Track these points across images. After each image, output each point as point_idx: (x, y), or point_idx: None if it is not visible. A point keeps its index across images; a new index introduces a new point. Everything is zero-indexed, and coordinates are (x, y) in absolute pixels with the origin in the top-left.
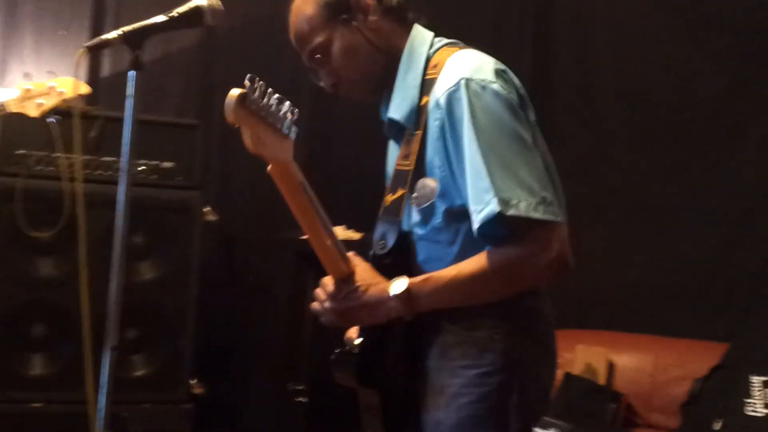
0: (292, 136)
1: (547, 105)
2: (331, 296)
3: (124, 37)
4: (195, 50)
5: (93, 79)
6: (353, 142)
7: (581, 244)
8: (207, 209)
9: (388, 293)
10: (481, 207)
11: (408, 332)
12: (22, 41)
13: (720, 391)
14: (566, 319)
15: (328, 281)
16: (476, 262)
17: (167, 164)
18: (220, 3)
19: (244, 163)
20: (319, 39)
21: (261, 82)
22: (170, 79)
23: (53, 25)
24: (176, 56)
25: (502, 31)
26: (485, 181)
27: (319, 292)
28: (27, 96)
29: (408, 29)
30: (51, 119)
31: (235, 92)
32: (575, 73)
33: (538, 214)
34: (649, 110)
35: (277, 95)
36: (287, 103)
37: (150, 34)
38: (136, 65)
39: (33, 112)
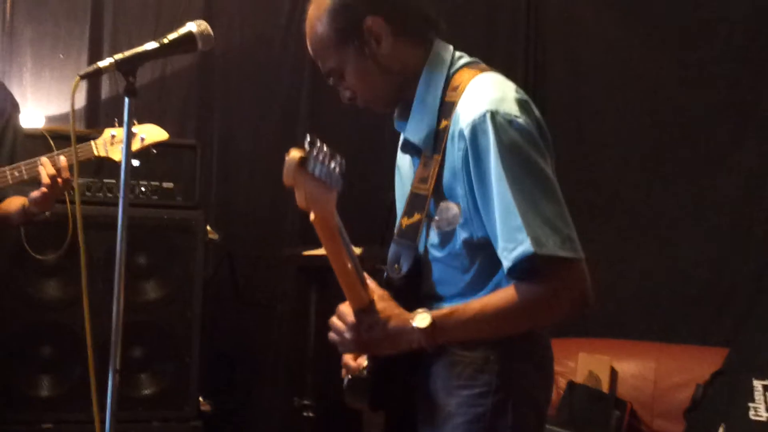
0: (339, 189)
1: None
2: (352, 327)
3: (118, 64)
4: (193, 70)
5: (92, 101)
6: (351, 160)
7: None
8: (208, 228)
9: (411, 325)
10: (513, 245)
11: (413, 354)
12: (22, 65)
13: (722, 396)
14: (568, 328)
15: (346, 311)
16: (502, 297)
17: (168, 184)
18: (210, 29)
19: (244, 181)
20: (331, 63)
21: (318, 140)
22: (168, 100)
23: (52, 49)
24: (174, 77)
25: (492, 48)
26: (517, 220)
27: (337, 322)
28: (112, 141)
29: (426, 44)
30: (134, 163)
31: (295, 155)
32: (568, 82)
33: (564, 252)
34: (645, 119)
35: (328, 150)
36: (338, 157)
37: (143, 61)
38: (130, 91)
39: (116, 156)
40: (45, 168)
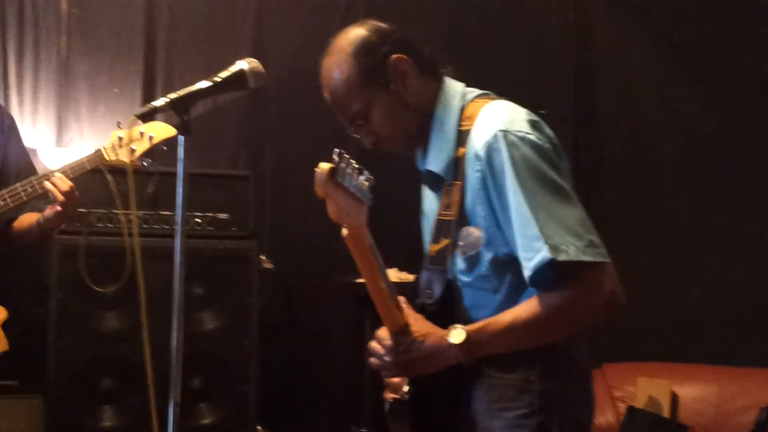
0: (368, 203)
1: (594, 141)
2: (391, 350)
3: (172, 103)
4: (244, 101)
5: None
6: (404, 184)
7: (640, 278)
8: (263, 257)
9: (447, 342)
10: (532, 255)
11: (453, 377)
12: (78, 99)
13: None
14: (627, 352)
15: (383, 335)
16: (532, 307)
17: (222, 215)
18: (260, 66)
19: (297, 210)
20: (357, 105)
21: (345, 154)
22: (221, 130)
23: (107, 83)
24: (226, 107)
25: (543, 77)
26: (534, 230)
27: (376, 346)
28: (120, 143)
29: (439, 82)
30: (145, 162)
31: (324, 167)
32: (620, 108)
33: (587, 257)
34: (698, 144)
35: (356, 165)
36: (366, 172)
37: (196, 100)
38: (184, 130)
39: (126, 158)
40: (57, 185)
